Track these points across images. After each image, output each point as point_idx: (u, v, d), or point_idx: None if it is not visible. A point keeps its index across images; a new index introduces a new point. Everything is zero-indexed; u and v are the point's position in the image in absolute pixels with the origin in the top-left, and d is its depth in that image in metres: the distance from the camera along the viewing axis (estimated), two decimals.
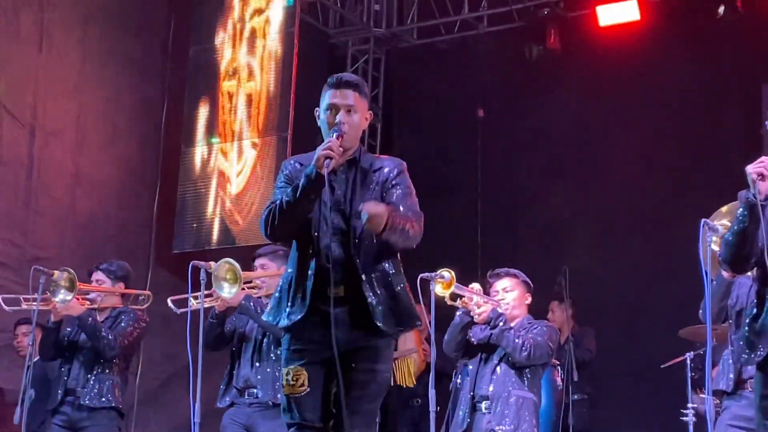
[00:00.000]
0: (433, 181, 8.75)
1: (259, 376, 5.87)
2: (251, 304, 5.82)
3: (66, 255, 8.80)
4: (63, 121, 9.30)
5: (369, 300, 3.90)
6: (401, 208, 3.94)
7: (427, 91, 11.01)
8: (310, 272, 3.94)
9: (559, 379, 7.61)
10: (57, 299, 6.25)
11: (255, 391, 5.85)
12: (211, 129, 9.87)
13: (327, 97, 4.04)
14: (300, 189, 3.88)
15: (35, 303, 6.26)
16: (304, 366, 3.95)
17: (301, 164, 4.05)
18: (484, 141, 10.42)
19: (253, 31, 9.89)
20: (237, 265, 5.76)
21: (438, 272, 5.56)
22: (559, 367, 7.61)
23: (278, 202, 3.95)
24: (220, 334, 6.01)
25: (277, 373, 5.67)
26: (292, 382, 3.94)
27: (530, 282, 6.05)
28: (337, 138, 3.89)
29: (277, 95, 9.54)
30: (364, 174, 4.03)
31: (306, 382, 3.91)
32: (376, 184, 4.03)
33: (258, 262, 6.10)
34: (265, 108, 9.61)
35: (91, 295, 6.51)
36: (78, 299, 6.34)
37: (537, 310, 6.32)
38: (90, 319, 6.30)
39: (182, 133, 10.03)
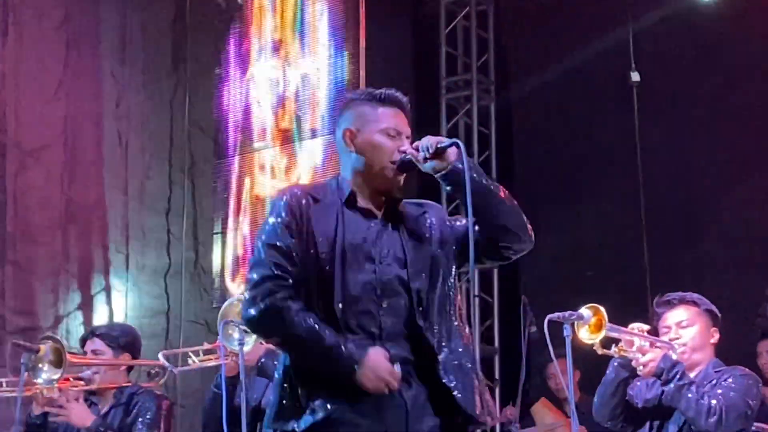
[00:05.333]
0: (572, 182, 8.74)
1: None
2: (274, 362, 5.22)
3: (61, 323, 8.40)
4: (45, 134, 8.64)
5: (449, 385, 3.50)
6: None
7: (556, 53, 9.77)
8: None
9: None
10: (40, 380, 5.51)
11: None
12: (255, 130, 8.88)
13: (381, 114, 3.57)
14: (325, 361, 3.36)
15: (17, 390, 5.48)
16: None
17: (315, 199, 3.46)
18: (644, 117, 9.14)
19: None
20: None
21: (577, 312, 4.90)
22: None
23: (296, 327, 3.33)
24: (229, 412, 5.17)
25: None
26: None
27: (717, 312, 5.34)
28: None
29: (339, 74, 8.53)
30: (415, 222, 3.62)
31: None
32: (431, 230, 3.58)
33: None
34: (326, 94, 8.65)
35: (85, 374, 5.71)
36: (68, 380, 5.59)
37: (735, 354, 5.63)
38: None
39: (213, 140, 9.10)
